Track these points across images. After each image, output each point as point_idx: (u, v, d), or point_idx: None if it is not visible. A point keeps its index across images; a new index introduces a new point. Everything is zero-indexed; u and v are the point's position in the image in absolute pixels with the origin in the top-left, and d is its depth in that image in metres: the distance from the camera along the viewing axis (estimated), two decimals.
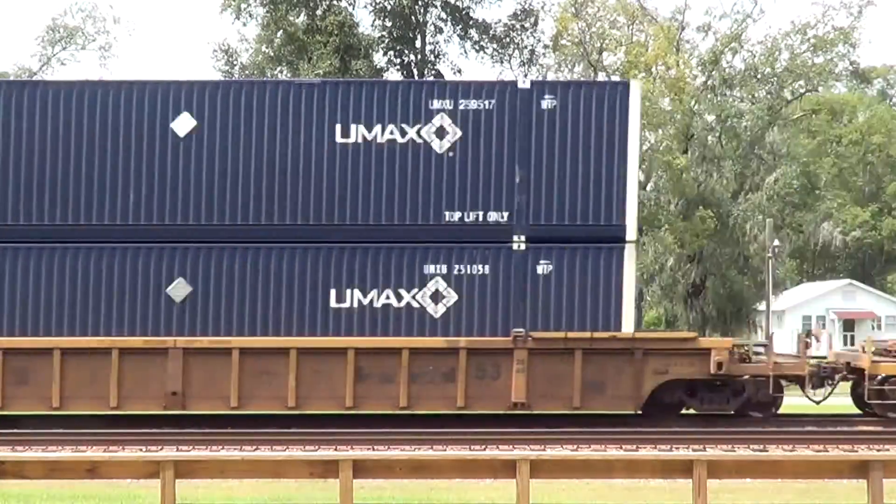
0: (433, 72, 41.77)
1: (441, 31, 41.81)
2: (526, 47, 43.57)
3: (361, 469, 10.79)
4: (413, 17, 40.56)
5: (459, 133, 19.36)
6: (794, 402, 21.53)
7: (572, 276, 19.36)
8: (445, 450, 16.68)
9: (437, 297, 19.36)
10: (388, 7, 40.19)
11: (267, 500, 14.38)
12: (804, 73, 41.80)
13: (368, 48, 39.23)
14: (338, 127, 19.36)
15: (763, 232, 44.10)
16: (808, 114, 59.46)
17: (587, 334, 19.21)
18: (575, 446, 17.63)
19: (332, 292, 19.35)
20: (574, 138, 19.40)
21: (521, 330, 19.21)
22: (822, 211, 75.42)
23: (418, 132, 19.42)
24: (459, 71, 42.14)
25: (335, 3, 39.79)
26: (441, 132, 19.41)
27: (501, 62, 43.55)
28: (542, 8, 44.07)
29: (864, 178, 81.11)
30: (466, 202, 19.41)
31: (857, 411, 21.12)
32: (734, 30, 44.14)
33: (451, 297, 19.35)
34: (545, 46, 44.41)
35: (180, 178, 19.30)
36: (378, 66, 40.59)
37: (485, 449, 17.20)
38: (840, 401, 21.80)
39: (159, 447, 17.35)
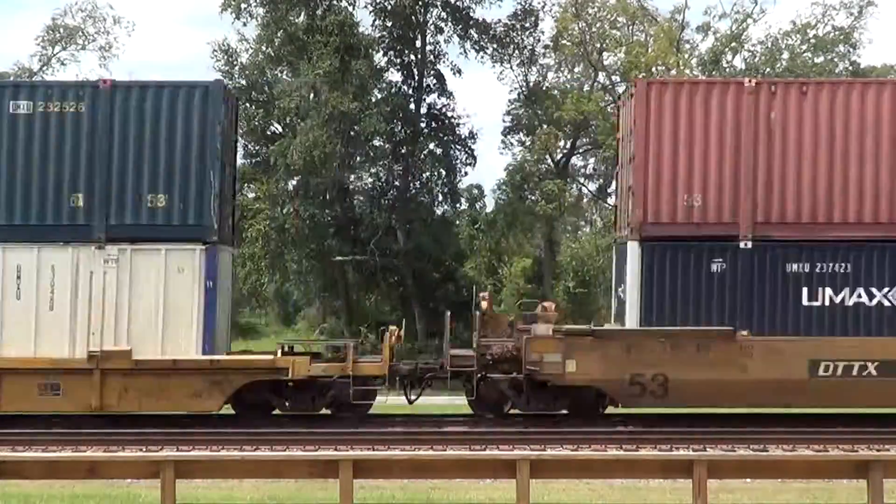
0: (433, 71, 41.72)
1: (441, 31, 41.72)
2: (526, 47, 43.49)
3: (361, 469, 10.79)
4: (413, 17, 40.47)
5: None
6: None
7: None
8: (445, 450, 16.68)
9: None
10: (389, 7, 40.10)
11: (267, 500, 14.38)
12: (804, 73, 41.70)
13: (368, 48, 39.11)
14: None
15: None
16: None
17: None
18: (575, 446, 17.64)
19: None
20: None
21: None
22: None
23: None
24: (459, 71, 42.09)
25: (335, 2, 39.66)
26: None
27: (501, 62, 43.47)
28: (542, 8, 43.94)
29: None
30: None
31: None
32: (734, 30, 44.08)
33: None
34: (545, 46, 44.32)
35: None
36: (378, 66, 40.50)
37: (485, 449, 17.20)
38: None
39: (159, 447, 17.36)
